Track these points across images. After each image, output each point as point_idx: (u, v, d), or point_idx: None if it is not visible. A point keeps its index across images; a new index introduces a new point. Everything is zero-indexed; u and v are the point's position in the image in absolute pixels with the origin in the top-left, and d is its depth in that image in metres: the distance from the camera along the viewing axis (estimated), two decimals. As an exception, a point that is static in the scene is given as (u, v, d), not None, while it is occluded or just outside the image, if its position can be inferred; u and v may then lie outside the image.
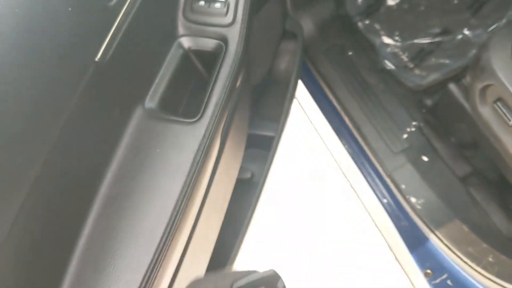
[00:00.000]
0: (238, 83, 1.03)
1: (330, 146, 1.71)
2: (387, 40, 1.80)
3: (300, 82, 1.68)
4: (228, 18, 1.00)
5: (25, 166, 0.68)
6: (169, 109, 0.97)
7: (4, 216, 0.65)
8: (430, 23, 1.78)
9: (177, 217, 0.83)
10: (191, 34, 1.02)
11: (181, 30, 1.02)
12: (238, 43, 0.99)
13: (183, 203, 0.84)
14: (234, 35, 0.99)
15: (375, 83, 1.56)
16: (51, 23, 0.68)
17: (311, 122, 1.82)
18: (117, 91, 0.88)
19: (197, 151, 0.87)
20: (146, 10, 0.89)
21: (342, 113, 1.55)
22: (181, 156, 0.87)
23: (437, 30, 1.77)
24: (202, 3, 1.00)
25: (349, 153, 1.52)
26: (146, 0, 0.88)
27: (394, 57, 1.71)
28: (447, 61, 1.69)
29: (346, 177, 1.72)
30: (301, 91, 1.71)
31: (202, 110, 0.92)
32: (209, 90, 0.94)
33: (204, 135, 0.89)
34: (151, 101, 0.95)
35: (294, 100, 1.93)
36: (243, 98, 1.11)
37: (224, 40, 1.00)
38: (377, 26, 1.86)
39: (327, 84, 1.59)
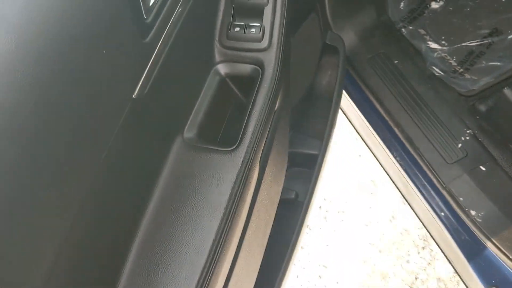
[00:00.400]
0: (276, 106, 1.02)
1: (380, 158, 1.66)
2: (433, 45, 1.74)
3: (344, 94, 1.64)
4: (264, 43, 0.99)
5: (69, 201, 0.68)
6: (207, 138, 0.97)
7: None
8: (478, 24, 1.71)
9: (217, 249, 0.82)
10: (228, 60, 1.01)
11: (217, 57, 1.02)
12: (274, 67, 0.98)
13: (223, 234, 0.84)
14: (270, 60, 0.99)
15: (424, 91, 1.50)
16: (87, 66, 0.67)
17: (358, 133, 1.77)
18: (155, 125, 0.88)
19: (235, 181, 0.87)
20: (182, 42, 0.89)
21: (391, 123, 1.49)
22: (220, 187, 0.87)
23: (486, 31, 1.69)
24: (237, 29, 1.00)
25: (401, 165, 1.46)
26: (182, 32, 0.88)
27: (442, 62, 1.65)
28: (498, 63, 1.61)
29: (398, 190, 1.66)
30: (346, 102, 1.67)
31: (239, 138, 0.91)
32: (246, 117, 0.93)
33: (242, 164, 0.88)
34: (190, 131, 0.95)
35: (339, 113, 1.89)
36: (283, 120, 1.10)
37: (260, 65, 0.99)
38: (421, 31, 1.80)
39: (374, 94, 1.54)
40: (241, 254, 0.93)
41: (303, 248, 2.04)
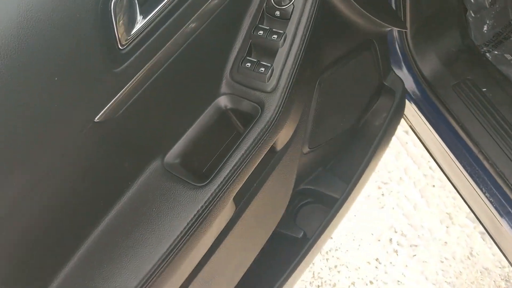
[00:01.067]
0: (278, 147, 1.03)
1: (463, 191, 1.55)
2: (522, 70, 1.62)
3: (423, 121, 1.54)
4: (270, 84, 0.96)
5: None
6: (191, 167, 0.95)
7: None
8: None
9: (150, 280, 0.84)
10: (233, 93, 0.99)
11: (223, 88, 0.99)
12: (274, 111, 0.95)
13: (160, 268, 0.84)
14: (272, 103, 0.96)
15: (516, 121, 1.38)
16: (34, 90, 0.66)
17: (436, 162, 1.66)
18: (128, 147, 0.87)
19: (192, 218, 0.87)
20: (180, 68, 0.87)
21: (480, 156, 1.38)
22: (173, 222, 0.87)
23: None
24: (248, 64, 0.97)
25: (491, 202, 1.35)
26: (181, 58, 0.85)
27: (535, 89, 1.52)
28: None
29: (482, 225, 1.54)
30: (425, 129, 1.57)
31: (213, 175, 0.89)
32: (228, 155, 0.91)
33: (206, 202, 0.88)
34: (172, 157, 0.93)
35: (413, 144, 1.80)
36: (288, 160, 1.08)
37: (261, 104, 0.96)
38: (508, 56, 1.68)
39: (459, 123, 1.43)
40: None
41: (372, 283, 1.93)
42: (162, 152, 0.93)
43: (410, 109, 1.57)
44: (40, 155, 0.71)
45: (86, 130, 0.75)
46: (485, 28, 1.75)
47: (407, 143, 2.16)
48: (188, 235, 0.86)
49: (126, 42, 0.74)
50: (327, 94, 1.18)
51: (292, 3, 0.94)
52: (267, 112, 0.95)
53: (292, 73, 0.95)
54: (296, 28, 0.95)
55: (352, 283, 1.94)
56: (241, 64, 0.98)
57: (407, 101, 1.52)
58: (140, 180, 0.90)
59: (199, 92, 0.97)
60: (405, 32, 1.47)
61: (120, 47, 0.73)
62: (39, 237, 0.78)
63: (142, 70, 0.78)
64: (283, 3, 0.94)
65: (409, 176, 2.10)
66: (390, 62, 1.46)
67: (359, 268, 1.96)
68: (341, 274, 1.96)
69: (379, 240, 2.00)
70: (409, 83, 1.52)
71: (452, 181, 1.59)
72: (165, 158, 0.93)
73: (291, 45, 0.95)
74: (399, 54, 1.50)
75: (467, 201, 1.54)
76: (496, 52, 1.68)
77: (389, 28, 1.30)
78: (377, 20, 1.08)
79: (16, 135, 0.67)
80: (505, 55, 1.67)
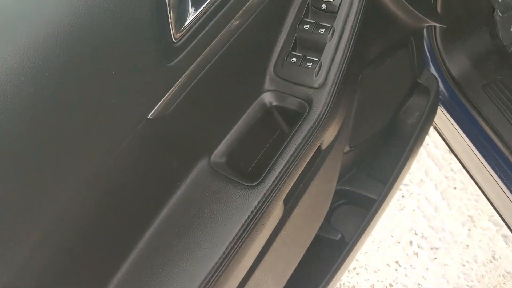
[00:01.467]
0: (324, 146, 0.99)
1: (491, 194, 1.51)
2: (552, 72, 1.58)
3: (451, 122, 1.51)
4: (318, 80, 0.93)
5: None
6: (237, 166, 0.93)
7: None
8: None
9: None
10: (278, 89, 0.96)
11: (267, 84, 0.96)
12: (322, 108, 0.92)
13: (218, 272, 0.81)
14: (320, 99, 0.92)
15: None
16: (92, 83, 0.64)
17: (462, 164, 1.63)
18: (178, 144, 0.85)
19: (245, 221, 0.84)
20: (226, 64, 0.84)
21: (511, 159, 1.34)
22: (227, 225, 0.84)
23: None
24: (294, 59, 0.94)
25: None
26: (227, 54, 0.83)
27: None
28: None
29: (510, 229, 1.51)
30: (451, 130, 1.54)
31: (263, 175, 0.86)
32: (278, 154, 0.88)
33: (258, 204, 0.85)
34: (218, 156, 0.91)
35: (432, 144, 1.77)
36: (332, 160, 1.05)
37: (309, 101, 0.93)
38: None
39: (489, 124, 1.40)
40: None
41: (392, 286, 1.90)
42: (208, 151, 0.91)
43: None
44: (94, 151, 0.69)
45: (139, 128, 0.73)
46: (512, 28, 1.71)
47: (428, 144, 2.13)
48: (243, 237, 0.84)
49: (180, 35, 0.72)
50: (367, 91, 1.15)
51: None
52: (315, 109, 0.91)
53: (341, 69, 0.92)
54: (345, 22, 0.92)
55: (371, 286, 1.91)
56: (286, 59, 0.95)
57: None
58: (188, 180, 0.88)
59: (243, 89, 0.95)
60: (434, 30, 1.44)
61: (174, 40, 0.71)
62: (89, 243, 0.76)
63: (192, 65, 0.76)
64: None
65: (430, 178, 2.07)
66: (425, 60, 1.43)
67: (378, 270, 1.94)
68: (360, 277, 1.93)
69: (399, 243, 1.97)
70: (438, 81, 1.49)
71: (479, 183, 1.56)
72: (211, 157, 0.90)
73: (339, 39, 0.92)
74: (427, 53, 1.47)
75: (494, 203, 1.51)
76: (524, 53, 1.65)
77: (428, 24, 1.27)
78: (419, 14, 1.05)
79: (72, 129, 0.65)
80: (534, 56, 1.64)
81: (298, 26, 0.94)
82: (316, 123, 0.91)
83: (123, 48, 0.66)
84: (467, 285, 1.86)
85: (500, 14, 1.70)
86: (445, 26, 1.25)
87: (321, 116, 0.91)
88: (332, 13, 0.92)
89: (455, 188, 2.03)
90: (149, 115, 0.73)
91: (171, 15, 0.70)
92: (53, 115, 0.62)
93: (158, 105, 0.74)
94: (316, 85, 0.93)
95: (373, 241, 1.98)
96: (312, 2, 0.94)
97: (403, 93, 1.38)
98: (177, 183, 0.87)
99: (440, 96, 1.48)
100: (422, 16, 1.07)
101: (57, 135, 0.63)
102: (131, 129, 0.72)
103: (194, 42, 0.75)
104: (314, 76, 0.93)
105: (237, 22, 0.82)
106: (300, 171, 0.94)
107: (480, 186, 1.58)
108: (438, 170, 2.08)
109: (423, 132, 1.34)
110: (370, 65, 1.12)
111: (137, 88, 0.71)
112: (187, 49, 0.74)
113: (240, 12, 0.81)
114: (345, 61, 0.93)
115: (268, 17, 0.90)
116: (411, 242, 1.97)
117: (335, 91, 0.93)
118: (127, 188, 0.79)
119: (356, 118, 1.14)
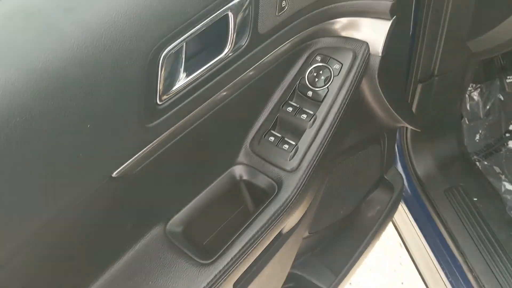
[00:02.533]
0: (285, 230, 0.96)
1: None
2: (509, 186, 1.64)
3: (411, 221, 1.52)
4: (291, 164, 0.91)
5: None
6: (194, 238, 0.89)
7: None
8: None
9: None
10: (250, 164, 0.94)
11: (241, 157, 0.95)
12: (292, 192, 0.90)
13: None
14: (290, 183, 0.90)
15: (505, 239, 1.37)
16: (65, 135, 0.61)
17: (414, 263, 1.63)
18: (135, 207, 0.81)
19: None
20: (202, 133, 0.83)
21: (464, 268, 1.35)
22: None
23: None
24: (272, 138, 0.93)
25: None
26: (206, 123, 0.81)
27: (522, 208, 1.53)
28: None
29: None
30: (411, 230, 1.54)
31: (218, 254, 0.82)
32: (237, 234, 0.85)
33: (208, 284, 0.80)
34: (175, 225, 0.88)
35: (397, 244, 1.77)
36: (291, 244, 1.03)
37: (279, 183, 0.91)
38: (497, 168, 1.71)
39: (447, 228, 1.41)
40: None
41: None
42: (166, 217, 0.87)
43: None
44: (49, 202, 0.64)
45: (101, 184, 0.69)
46: (478, 137, 1.78)
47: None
48: None
49: (166, 98, 0.69)
50: (334, 180, 1.14)
51: (327, 86, 0.91)
52: (284, 193, 0.89)
53: (316, 157, 0.91)
54: (327, 113, 0.92)
55: None
56: (264, 137, 0.94)
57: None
58: (139, 245, 0.83)
59: (216, 158, 0.92)
60: (406, 130, 1.47)
61: (158, 102, 0.69)
62: None
63: (170, 129, 0.74)
64: (317, 85, 0.92)
65: (379, 269, 2.06)
66: (394, 157, 1.45)
67: None
68: None
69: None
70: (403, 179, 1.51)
71: (427, 283, 1.56)
72: (168, 225, 0.86)
73: (319, 128, 0.92)
74: (397, 150, 1.50)
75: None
76: (485, 163, 1.71)
77: (403, 125, 1.30)
78: (397, 116, 1.07)
79: (34, 176, 0.60)
80: (494, 167, 1.69)
81: (282, 107, 0.94)
82: (282, 207, 0.88)
83: (105, 103, 0.63)
84: None
85: (467, 122, 1.77)
86: (419, 130, 1.28)
87: (288, 200, 0.89)
88: (316, 101, 0.93)
89: (402, 283, 2.03)
90: (114, 173, 0.69)
91: (161, 77, 0.67)
92: (19, 162, 0.58)
93: (125, 164, 0.70)
94: (288, 168, 0.91)
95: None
96: (299, 87, 0.94)
97: (368, 186, 1.38)
98: (127, 247, 0.83)
99: (403, 193, 1.50)
100: (400, 118, 1.09)
101: (15, 182, 0.59)
102: (92, 186, 0.68)
103: (177, 107, 0.73)
104: (288, 159, 0.91)
105: (224, 93, 0.81)
106: (257, 254, 0.91)
107: (428, 286, 1.57)
108: (387, 261, 2.08)
109: (381, 227, 1.35)
110: (342, 156, 1.12)
111: (109, 145, 0.67)
112: (169, 113, 0.72)
113: (229, 85, 0.80)
114: (321, 149, 0.92)
115: (255, 93, 0.90)
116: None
117: (306, 177, 0.91)
118: (73, 245, 0.74)
119: (320, 205, 1.12)
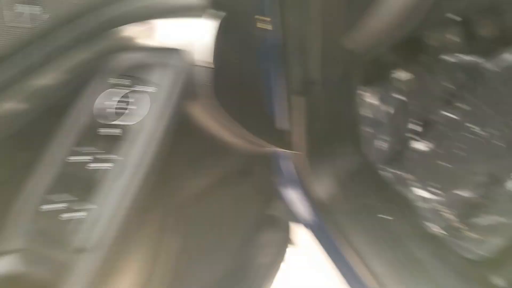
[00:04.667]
0: None
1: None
2: (420, 192, 1.49)
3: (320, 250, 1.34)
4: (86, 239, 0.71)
5: None
6: None
7: None
8: (471, 169, 1.48)
9: None
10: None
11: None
12: None
13: None
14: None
15: (423, 256, 1.20)
16: None
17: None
18: None
19: None
20: None
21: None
22: None
23: (481, 178, 1.46)
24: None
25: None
26: None
27: (437, 216, 1.38)
28: (502, 219, 1.35)
29: None
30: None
31: None
32: None
33: None
34: None
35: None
36: None
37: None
38: (404, 174, 1.56)
39: (360, 257, 1.22)
40: None
41: None
42: None
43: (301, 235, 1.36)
44: None
45: None
46: (380, 143, 1.63)
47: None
48: None
49: None
50: (192, 235, 0.91)
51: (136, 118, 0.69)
52: None
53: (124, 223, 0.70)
54: (141, 154, 0.69)
55: None
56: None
57: (297, 227, 1.31)
58: None
59: None
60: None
61: None
62: None
63: None
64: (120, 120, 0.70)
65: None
66: (277, 187, 1.25)
67: None
68: None
69: None
70: (300, 208, 1.32)
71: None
72: None
73: (130, 178, 0.69)
74: (289, 175, 1.30)
75: None
76: (391, 170, 1.56)
77: (274, 149, 1.10)
78: (263, 140, 0.87)
79: None
80: (400, 173, 1.55)
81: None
82: None
83: None
84: None
85: (366, 129, 1.63)
86: (300, 152, 1.08)
87: None
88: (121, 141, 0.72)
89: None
90: None
91: None
92: None
93: None
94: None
95: None
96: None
97: (249, 227, 1.17)
98: None
99: (303, 221, 1.31)
100: (266, 142, 0.89)
101: None
102: None
103: None
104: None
105: None
106: None
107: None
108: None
109: (275, 270, 1.14)
110: (192, 203, 0.90)
111: None
112: None
113: None
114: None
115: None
116: None
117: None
118: None
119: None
